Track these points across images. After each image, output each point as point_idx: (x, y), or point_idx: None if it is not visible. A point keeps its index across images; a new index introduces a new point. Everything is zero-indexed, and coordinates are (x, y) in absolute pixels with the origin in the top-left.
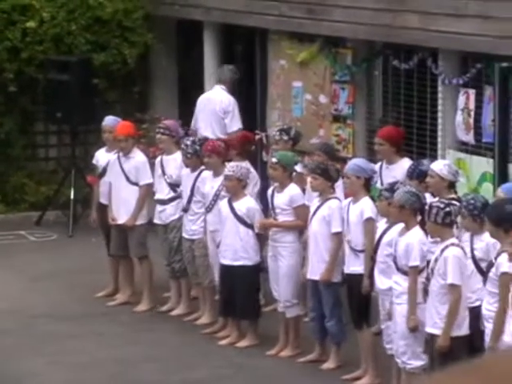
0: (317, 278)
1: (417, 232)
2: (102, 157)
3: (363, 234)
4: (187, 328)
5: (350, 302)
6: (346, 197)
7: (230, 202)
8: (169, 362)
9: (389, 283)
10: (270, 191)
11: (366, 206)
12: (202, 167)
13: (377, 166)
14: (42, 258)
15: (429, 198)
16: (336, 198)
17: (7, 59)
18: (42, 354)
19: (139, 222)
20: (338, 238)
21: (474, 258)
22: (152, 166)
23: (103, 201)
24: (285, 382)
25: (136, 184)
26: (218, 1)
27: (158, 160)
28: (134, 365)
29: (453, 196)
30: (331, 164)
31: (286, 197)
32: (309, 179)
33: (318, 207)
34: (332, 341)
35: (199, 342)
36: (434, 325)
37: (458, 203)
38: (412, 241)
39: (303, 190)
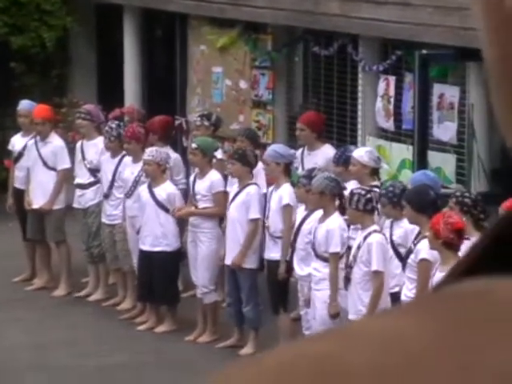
0: (231, 263)
1: (336, 218)
2: (17, 142)
3: (281, 220)
4: (105, 313)
5: (269, 287)
6: (268, 183)
7: (149, 188)
8: (87, 347)
9: (308, 270)
10: (191, 177)
11: (284, 193)
12: (124, 152)
13: (298, 153)
14: None
15: (354, 185)
16: (255, 183)
17: None
18: None
19: (56, 206)
20: (256, 223)
21: (392, 243)
22: (71, 150)
23: (19, 186)
24: (203, 367)
25: (53, 169)
26: None
27: (78, 145)
28: (53, 350)
29: (376, 183)
30: (249, 149)
31: (206, 183)
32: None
33: (237, 193)
34: (249, 326)
35: (118, 328)
36: (356, 312)
37: (377, 189)
38: (332, 227)
39: (224, 177)
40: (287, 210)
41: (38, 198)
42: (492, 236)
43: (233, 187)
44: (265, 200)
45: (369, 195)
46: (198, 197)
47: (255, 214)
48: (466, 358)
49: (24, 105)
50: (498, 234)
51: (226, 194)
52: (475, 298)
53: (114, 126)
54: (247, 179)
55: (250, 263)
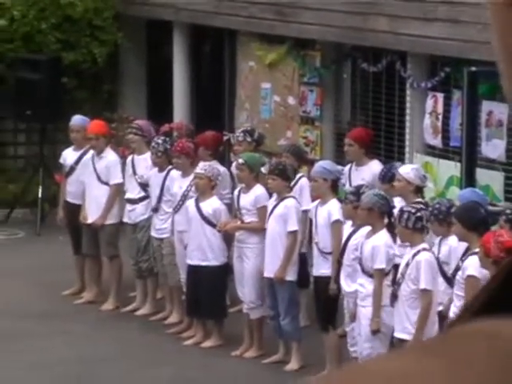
0: (272, 275)
1: (383, 235)
2: (69, 156)
3: (331, 236)
4: (153, 327)
5: (317, 304)
6: (313, 199)
7: (196, 202)
8: (134, 361)
9: (355, 286)
10: (236, 192)
11: (333, 209)
12: (170, 166)
13: (346, 168)
14: (9, 256)
15: (398, 203)
16: (292, 196)
17: None
18: (4, 351)
19: (109, 221)
20: (294, 236)
21: (437, 260)
22: (122, 165)
23: (70, 199)
24: (249, 382)
25: (107, 183)
26: (188, 1)
27: (129, 159)
28: (99, 363)
29: (419, 200)
30: (289, 164)
31: (251, 197)
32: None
33: (275, 206)
34: (288, 338)
35: (164, 342)
36: (403, 330)
37: (424, 207)
38: (378, 243)
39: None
40: (337, 226)
41: (92, 213)
42: (500, 278)
43: (270, 200)
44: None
45: (419, 213)
46: (243, 211)
47: (293, 226)
48: None
49: (76, 120)
50: (506, 275)
51: None
52: (481, 338)
53: (160, 141)
54: (285, 192)
55: (290, 275)
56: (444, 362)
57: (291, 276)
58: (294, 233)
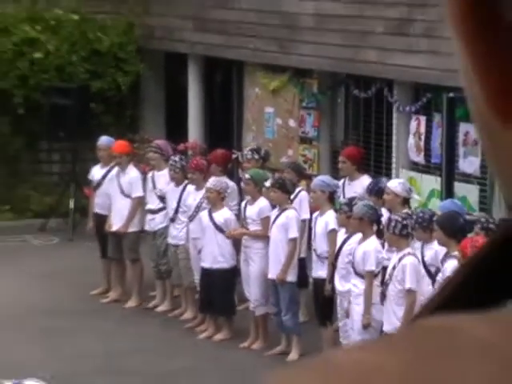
0: (275, 277)
1: (373, 241)
2: (97, 172)
3: (327, 243)
4: (171, 323)
5: (316, 302)
6: (312, 210)
7: (209, 213)
8: (154, 353)
9: (348, 286)
10: (243, 204)
11: (330, 219)
12: (186, 181)
13: (340, 183)
14: (44, 260)
15: (385, 213)
16: (293, 208)
17: (17, 86)
18: (42, 344)
19: (131, 229)
20: (294, 242)
21: (424, 263)
22: (143, 180)
23: (98, 210)
24: (255, 371)
25: (129, 196)
26: (201, 36)
27: (149, 175)
28: (123, 356)
29: (406, 211)
30: (288, 179)
31: (256, 209)
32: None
33: (277, 216)
34: (289, 333)
35: (181, 336)
36: (391, 324)
37: (409, 216)
38: (369, 248)
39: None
40: (332, 235)
41: (116, 222)
42: (463, 273)
43: (273, 211)
44: (309, 225)
45: (405, 222)
46: (248, 220)
47: (294, 233)
48: None
49: (103, 140)
50: (469, 270)
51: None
52: (441, 333)
53: (177, 159)
54: (285, 204)
55: (290, 277)
56: (399, 355)
57: (292, 277)
58: (294, 240)
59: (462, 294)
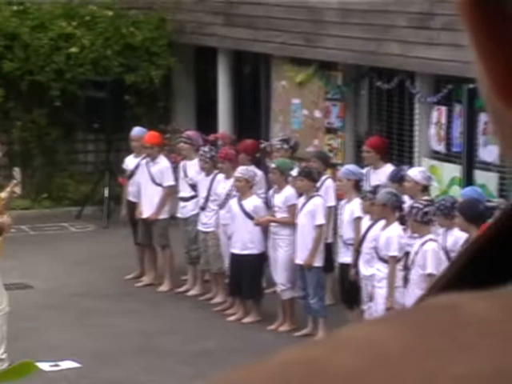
0: (303, 262)
1: (396, 227)
2: (130, 161)
3: (353, 230)
4: (201, 306)
5: (342, 286)
6: (339, 197)
7: (239, 201)
8: (185, 335)
9: (372, 271)
10: (270, 192)
11: (356, 207)
12: (216, 171)
13: (364, 171)
14: (81, 246)
15: (408, 200)
16: (319, 195)
17: (54, 79)
18: (80, 326)
19: (162, 216)
20: (321, 229)
21: (445, 249)
22: (174, 169)
23: (131, 198)
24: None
25: (159, 185)
26: (230, 30)
27: (181, 164)
28: (157, 336)
29: (426, 198)
30: (313, 167)
31: (282, 197)
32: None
33: (304, 204)
34: (315, 315)
35: (211, 318)
36: None
37: (430, 204)
38: (392, 234)
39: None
40: (358, 222)
41: (146, 209)
42: (468, 253)
43: (300, 199)
44: (335, 212)
45: (426, 209)
46: (275, 208)
47: (320, 220)
48: (429, 362)
49: (136, 131)
50: (474, 250)
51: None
52: (441, 310)
53: (207, 149)
54: (312, 192)
55: (317, 262)
56: (400, 331)
57: (318, 262)
58: (320, 226)
59: (468, 274)
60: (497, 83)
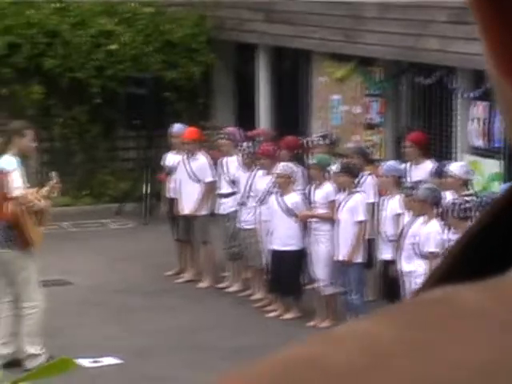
0: (344, 258)
1: (435, 223)
2: (170, 158)
3: (394, 226)
4: (241, 302)
5: (383, 282)
6: (380, 193)
7: (279, 197)
8: (225, 331)
9: (411, 267)
10: (310, 188)
11: (397, 203)
12: (256, 167)
13: (404, 166)
14: (121, 243)
15: (449, 195)
16: (360, 191)
17: (94, 76)
18: (120, 322)
19: (202, 212)
20: (361, 225)
21: None
22: (214, 166)
23: (171, 195)
24: None
25: (199, 181)
26: (270, 27)
27: (220, 161)
28: (197, 332)
29: (467, 192)
30: (354, 164)
31: (322, 193)
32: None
33: (345, 200)
34: (355, 312)
35: (251, 314)
36: None
37: (473, 198)
38: (431, 230)
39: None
40: (399, 218)
41: (186, 206)
42: (462, 243)
43: (342, 195)
44: (376, 208)
45: (466, 205)
46: (315, 204)
47: (361, 216)
48: (423, 354)
49: (176, 128)
50: (468, 239)
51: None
52: (435, 303)
53: (247, 145)
54: (351, 187)
55: (358, 258)
56: (394, 325)
57: (359, 259)
58: (361, 222)
59: (463, 265)
60: (504, 61)
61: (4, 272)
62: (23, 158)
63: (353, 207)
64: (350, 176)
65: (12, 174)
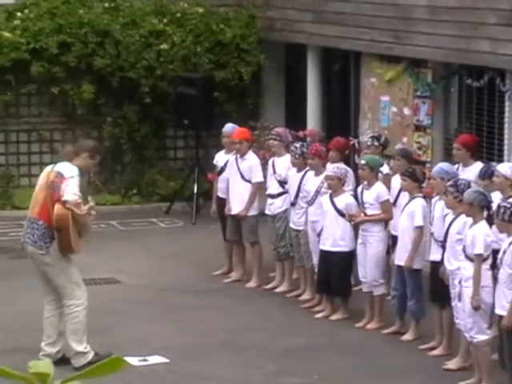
0: (402, 263)
1: (482, 225)
2: (220, 158)
3: (443, 227)
4: (289, 303)
5: (433, 284)
6: (427, 195)
7: (331, 198)
8: (272, 331)
9: (456, 265)
10: (359, 189)
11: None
12: (307, 168)
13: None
14: (170, 242)
15: (497, 197)
16: (421, 196)
17: (144, 76)
18: (167, 321)
19: (251, 213)
20: (420, 230)
21: None
22: (263, 166)
23: (221, 195)
24: (370, 349)
25: (248, 181)
26: (319, 27)
27: (270, 161)
28: (244, 332)
29: None
30: (418, 168)
31: (373, 194)
32: (394, 179)
33: (406, 204)
34: (412, 317)
35: (299, 315)
36: (501, 307)
37: None
38: (478, 233)
39: (388, 188)
40: (447, 219)
41: (235, 206)
42: None
43: (403, 199)
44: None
45: None
46: (365, 205)
47: (419, 221)
48: None
49: (227, 127)
50: None
51: (390, 202)
52: None
53: (298, 145)
54: (415, 192)
55: (416, 264)
56: None
57: (417, 265)
58: (419, 228)
59: None
60: None
61: (43, 272)
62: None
63: (411, 212)
64: (413, 180)
65: (70, 180)
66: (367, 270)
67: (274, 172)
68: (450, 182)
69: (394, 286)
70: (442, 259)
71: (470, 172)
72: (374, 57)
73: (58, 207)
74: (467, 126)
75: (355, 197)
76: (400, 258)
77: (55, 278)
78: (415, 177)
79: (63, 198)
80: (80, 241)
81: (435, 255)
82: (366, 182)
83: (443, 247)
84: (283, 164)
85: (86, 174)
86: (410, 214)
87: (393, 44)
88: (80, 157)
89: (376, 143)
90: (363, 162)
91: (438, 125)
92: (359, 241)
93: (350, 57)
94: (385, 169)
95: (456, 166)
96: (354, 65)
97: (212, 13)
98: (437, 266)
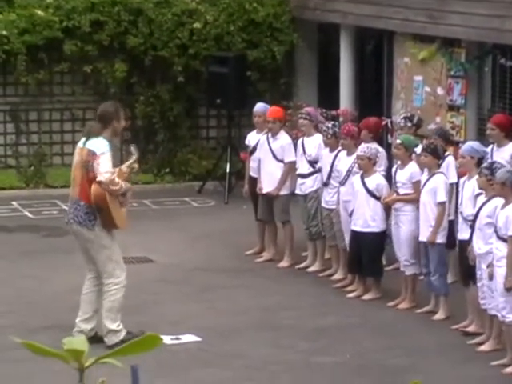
0: (425, 239)
1: None
2: (252, 137)
3: (473, 206)
4: (321, 282)
5: (461, 263)
6: (460, 174)
7: (362, 178)
8: (304, 310)
9: (485, 248)
10: (393, 168)
11: (476, 184)
12: (339, 148)
13: (488, 149)
14: (202, 221)
15: None
16: (441, 172)
17: (177, 54)
18: (199, 300)
19: (283, 192)
20: (443, 206)
21: None
22: (295, 145)
23: (253, 174)
24: (402, 329)
25: (281, 160)
26: (353, 7)
27: (300, 141)
28: (276, 312)
29: None
30: (439, 144)
31: (407, 173)
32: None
33: (427, 180)
34: (436, 293)
35: (331, 295)
36: None
37: None
38: (510, 213)
39: (422, 169)
40: (478, 199)
41: (267, 185)
42: None
43: (423, 176)
44: (457, 188)
45: None
46: (398, 184)
47: (442, 197)
48: None
49: (259, 106)
50: None
51: None
52: None
53: (330, 125)
54: (435, 168)
55: (440, 239)
56: None
57: (441, 239)
58: (442, 203)
59: None
60: None
61: (86, 249)
62: (113, 139)
63: (433, 188)
64: (434, 157)
65: (102, 157)
66: (400, 250)
67: (304, 152)
68: (484, 164)
69: (423, 263)
70: (471, 238)
71: (505, 152)
72: (408, 36)
73: (94, 187)
74: (501, 106)
75: (387, 177)
76: (423, 233)
77: (97, 255)
78: (437, 153)
79: (97, 179)
80: (124, 215)
81: (464, 234)
82: (399, 162)
83: (472, 228)
84: (313, 144)
85: (118, 137)
86: (431, 190)
87: (426, 23)
88: (108, 129)
89: (409, 124)
90: (398, 141)
91: (472, 105)
92: (392, 221)
93: (384, 36)
94: (418, 149)
95: (490, 147)
96: (387, 44)
97: None
98: (465, 244)
